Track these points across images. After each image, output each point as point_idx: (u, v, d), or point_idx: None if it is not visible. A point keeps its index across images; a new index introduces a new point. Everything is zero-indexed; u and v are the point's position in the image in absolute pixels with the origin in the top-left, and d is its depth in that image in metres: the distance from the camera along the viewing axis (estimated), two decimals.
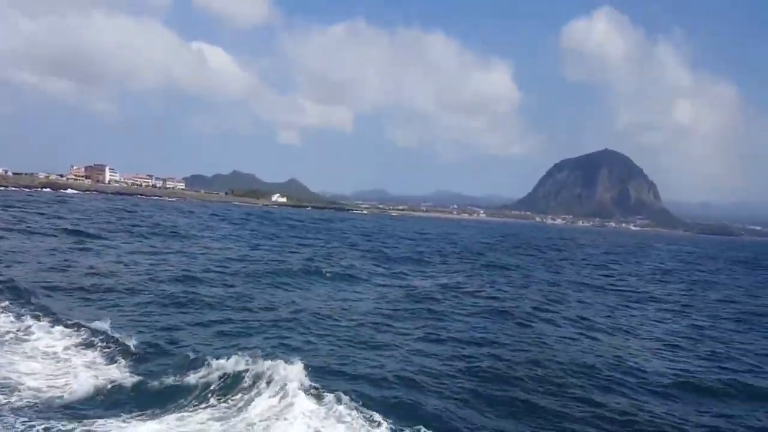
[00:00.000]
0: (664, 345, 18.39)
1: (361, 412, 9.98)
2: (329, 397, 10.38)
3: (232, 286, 23.69)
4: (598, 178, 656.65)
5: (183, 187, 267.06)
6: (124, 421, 9.48)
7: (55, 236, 36.28)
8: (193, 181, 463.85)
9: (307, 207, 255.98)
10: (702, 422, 11.67)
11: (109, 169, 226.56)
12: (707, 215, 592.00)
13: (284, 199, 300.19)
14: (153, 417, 9.87)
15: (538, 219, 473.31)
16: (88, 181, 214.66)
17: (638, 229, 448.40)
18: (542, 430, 10.84)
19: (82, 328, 14.49)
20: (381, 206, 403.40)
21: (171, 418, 9.76)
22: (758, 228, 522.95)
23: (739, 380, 14.48)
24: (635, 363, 15.59)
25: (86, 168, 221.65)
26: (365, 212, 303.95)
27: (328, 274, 28.98)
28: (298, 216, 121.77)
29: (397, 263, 37.88)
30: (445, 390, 12.29)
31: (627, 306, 26.42)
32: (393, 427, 9.71)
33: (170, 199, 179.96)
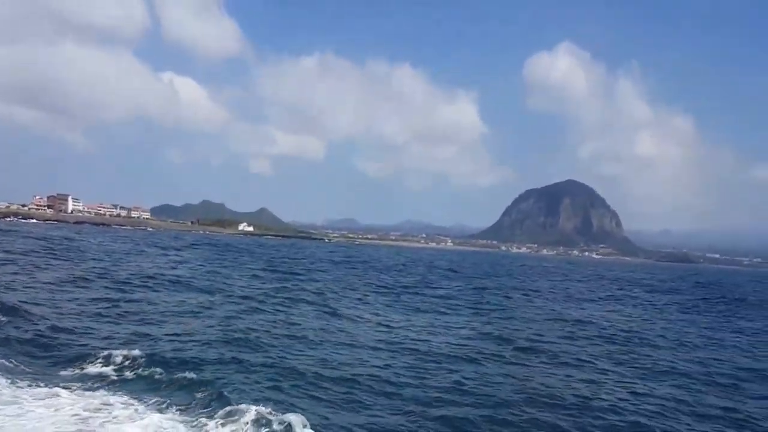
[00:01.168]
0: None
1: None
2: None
3: (108, 287, 30.00)
4: (561, 208, 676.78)
5: (148, 217, 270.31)
6: None
7: None
8: (163, 210, 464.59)
9: (266, 236, 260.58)
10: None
11: (72, 198, 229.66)
12: (668, 243, 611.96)
13: (251, 228, 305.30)
14: None
15: (503, 248, 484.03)
16: (50, 211, 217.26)
17: (600, 257, 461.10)
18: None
19: None
20: (351, 235, 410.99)
21: None
22: (717, 256, 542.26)
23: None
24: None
25: (48, 198, 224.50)
26: (331, 241, 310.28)
27: (197, 285, 35.21)
28: (240, 243, 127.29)
29: (275, 280, 44.12)
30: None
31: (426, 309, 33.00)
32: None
33: (128, 228, 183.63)
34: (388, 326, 25.91)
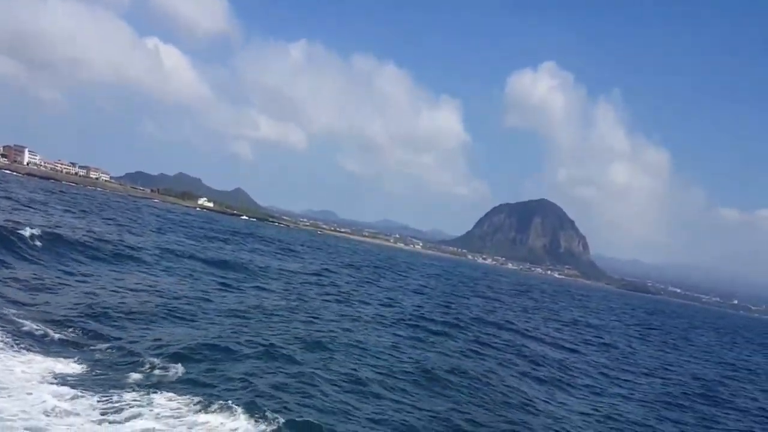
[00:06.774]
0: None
1: None
2: None
3: None
4: (532, 226, 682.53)
5: (107, 179, 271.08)
6: None
7: None
8: (137, 177, 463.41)
9: (224, 213, 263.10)
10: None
11: (29, 151, 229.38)
12: (636, 272, 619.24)
13: (210, 204, 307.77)
14: None
15: (470, 257, 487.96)
16: (4, 160, 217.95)
17: (562, 277, 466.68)
18: None
19: None
20: (324, 226, 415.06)
21: None
22: (678, 290, 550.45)
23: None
24: None
25: (4, 147, 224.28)
26: (293, 226, 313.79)
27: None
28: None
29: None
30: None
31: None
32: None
33: (69, 184, 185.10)
34: None
